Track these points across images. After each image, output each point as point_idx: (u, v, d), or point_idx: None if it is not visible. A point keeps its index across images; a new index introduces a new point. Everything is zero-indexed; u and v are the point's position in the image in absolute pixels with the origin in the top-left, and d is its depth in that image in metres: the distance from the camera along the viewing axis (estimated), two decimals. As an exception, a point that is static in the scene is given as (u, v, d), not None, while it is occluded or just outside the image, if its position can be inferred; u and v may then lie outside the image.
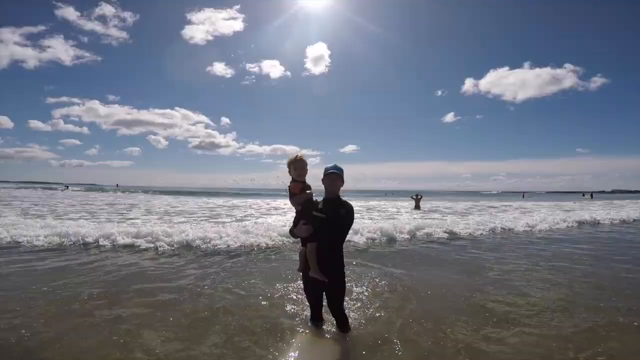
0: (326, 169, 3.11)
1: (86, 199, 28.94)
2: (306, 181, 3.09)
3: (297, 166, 3.00)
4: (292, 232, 3.08)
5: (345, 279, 3.10)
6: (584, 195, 68.40)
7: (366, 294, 4.32)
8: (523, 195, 77.58)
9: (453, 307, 3.91)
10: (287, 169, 3.05)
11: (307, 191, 3.03)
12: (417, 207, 22.33)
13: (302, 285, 3.36)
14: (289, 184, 3.06)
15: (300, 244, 3.15)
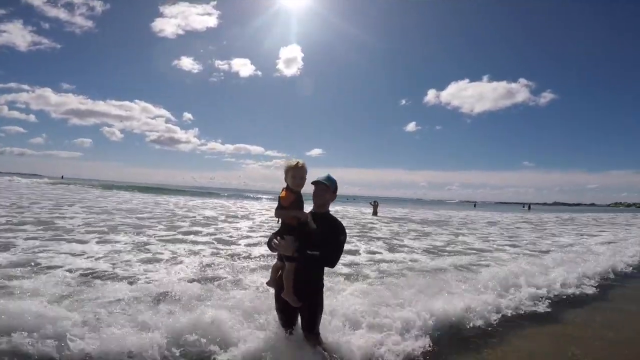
0: (316, 179, 2.79)
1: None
2: (301, 194, 2.73)
3: (296, 174, 2.64)
4: (271, 245, 2.74)
5: (323, 297, 2.84)
6: (523, 206, 74.18)
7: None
8: (475, 205, 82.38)
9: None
10: (284, 175, 2.69)
11: (300, 211, 2.67)
12: (375, 213, 23.33)
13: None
14: (281, 190, 2.70)
15: (276, 257, 2.86)
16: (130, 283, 4.68)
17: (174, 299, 3.89)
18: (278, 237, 2.65)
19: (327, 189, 2.74)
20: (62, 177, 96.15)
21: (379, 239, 11.09)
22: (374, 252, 8.48)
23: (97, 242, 7.59)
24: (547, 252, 9.71)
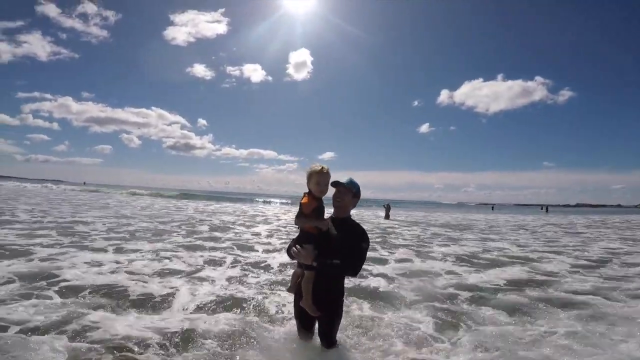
0: (336, 181, 2.65)
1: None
2: (322, 201, 2.56)
3: (321, 180, 2.50)
4: (290, 253, 2.63)
5: (343, 309, 2.76)
6: (542, 208, 70.70)
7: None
8: (492, 207, 79.86)
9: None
10: (306, 180, 2.54)
11: (321, 220, 2.53)
12: (387, 216, 23.17)
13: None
14: (302, 196, 2.57)
15: (297, 264, 2.69)
16: (147, 311, 3.98)
17: (202, 341, 3.15)
18: (297, 246, 2.52)
19: (347, 192, 2.60)
20: (85, 183, 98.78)
21: (404, 245, 10.48)
22: (403, 260, 7.88)
23: (115, 251, 7.32)
24: (607, 261, 8.57)
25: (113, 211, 18.06)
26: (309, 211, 2.49)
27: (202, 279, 5.41)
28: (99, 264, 5.97)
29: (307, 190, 2.57)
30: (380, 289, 5.31)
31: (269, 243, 9.61)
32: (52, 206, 18.83)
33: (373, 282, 5.67)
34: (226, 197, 64.08)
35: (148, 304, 4.22)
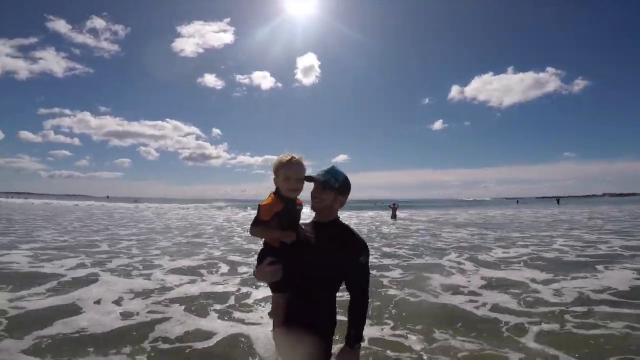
0: (309, 174, 1.90)
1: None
2: (299, 200, 1.88)
3: (290, 173, 1.78)
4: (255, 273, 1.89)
5: (331, 343, 1.82)
6: (557, 201, 66.07)
7: None
8: (517, 201, 77.00)
9: None
10: (274, 176, 1.84)
11: (283, 231, 1.76)
12: (394, 216, 22.69)
13: None
14: (267, 197, 1.84)
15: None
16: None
17: None
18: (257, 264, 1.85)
19: (325, 187, 1.84)
20: (108, 196, 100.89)
21: (458, 248, 9.45)
22: (468, 271, 6.89)
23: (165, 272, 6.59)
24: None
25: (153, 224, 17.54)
26: (268, 217, 1.77)
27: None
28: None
29: (272, 191, 1.88)
30: (476, 315, 4.34)
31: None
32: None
33: (452, 301, 4.72)
34: (248, 204, 64.03)
35: None
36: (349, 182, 1.93)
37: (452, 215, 28.88)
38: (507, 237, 12.20)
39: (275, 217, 1.78)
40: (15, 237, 11.34)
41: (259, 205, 1.81)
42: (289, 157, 1.81)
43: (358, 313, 1.81)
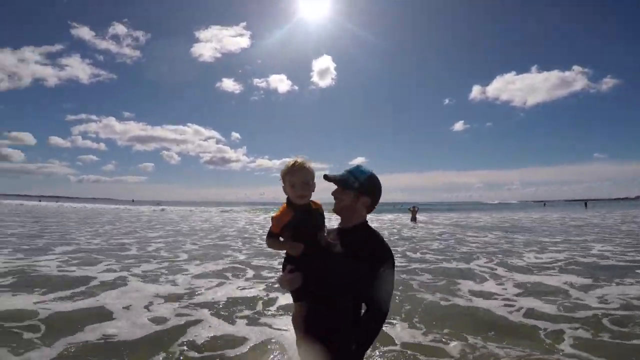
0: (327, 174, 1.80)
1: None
2: (317, 204, 1.74)
3: (295, 179, 1.65)
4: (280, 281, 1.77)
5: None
6: (585, 205, 62.81)
7: None
8: (544, 204, 74.24)
9: None
10: (282, 184, 1.72)
11: (293, 243, 1.64)
12: (414, 219, 22.58)
13: None
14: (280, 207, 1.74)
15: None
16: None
17: None
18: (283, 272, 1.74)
19: (341, 188, 1.71)
20: (133, 200, 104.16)
21: (486, 252, 9.12)
22: (500, 277, 6.59)
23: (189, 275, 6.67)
24: None
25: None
26: (277, 229, 1.69)
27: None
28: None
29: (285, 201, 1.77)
30: (511, 320, 4.13)
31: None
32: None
33: (485, 306, 4.50)
34: (268, 207, 64.66)
35: None
36: (375, 181, 1.75)
37: (475, 218, 28.10)
38: (537, 242, 11.70)
39: (285, 228, 1.70)
40: (50, 239, 11.82)
41: (272, 218, 1.73)
42: (292, 162, 1.71)
43: (366, 329, 1.58)
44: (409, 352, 3.26)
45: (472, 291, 5.33)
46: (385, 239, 1.65)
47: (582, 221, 22.44)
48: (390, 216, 30.99)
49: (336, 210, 1.77)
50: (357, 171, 1.73)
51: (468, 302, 4.78)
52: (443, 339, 3.52)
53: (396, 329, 3.78)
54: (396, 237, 13.64)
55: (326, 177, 1.74)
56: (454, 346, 3.36)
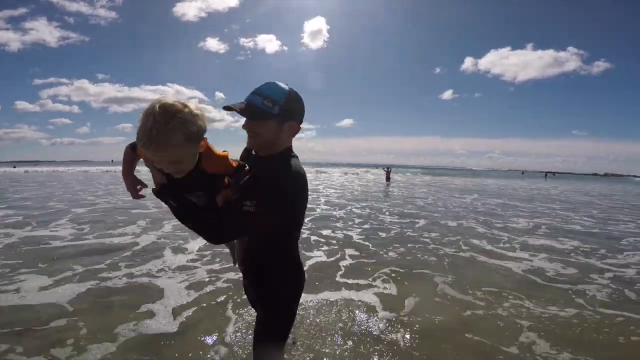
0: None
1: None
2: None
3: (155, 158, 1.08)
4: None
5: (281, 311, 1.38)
6: (545, 176, 66.33)
7: None
8: (545, 175, 70.89)
9: None
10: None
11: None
12: (388, 178, 24.32)
13: None
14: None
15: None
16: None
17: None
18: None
19: (256, 121, 1.26)
20: (112, 161, 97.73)
21: (471, 212, 9.53)
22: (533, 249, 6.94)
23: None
24: None
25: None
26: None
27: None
28: None
29: None
30: (539, 279, 4.26)
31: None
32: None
33: (505, 264, 4.72)
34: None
35: None
36: (297, 96, 1.30)
37: (480, 184, 28.63)
38: (512, 206, 12.36)
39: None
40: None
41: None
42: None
43: (207, 217, 1.17)
44: (457, 307, 3.23)
45: (483, 249, 5.50)
46: (302, 173, 1.27)
47: (537, 190, 23.59)
48: (371, 176, 31.66)
49: (254, 147, 1.34)
50: (272, 91, 1.25)
51: (486, 259, 4.90)
52: (487, 297, 3.49)
53: (436, 281, 3.86)
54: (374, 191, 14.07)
55: (227, 108, 1.25)
56: (487, 301, 3.37)
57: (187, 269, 3.99)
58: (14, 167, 55.41)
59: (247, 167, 1.24)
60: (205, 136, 1.09)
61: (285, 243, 1.37)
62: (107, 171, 34.28)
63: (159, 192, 1.14)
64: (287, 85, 1.29)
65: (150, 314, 2.84)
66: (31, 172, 33.36)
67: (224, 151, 1.20)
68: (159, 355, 2.28)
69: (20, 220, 6.97)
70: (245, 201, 1.15)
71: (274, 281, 1.38)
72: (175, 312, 2.88)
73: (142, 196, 1.21)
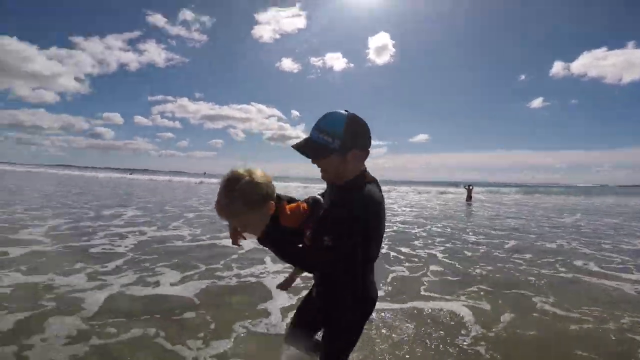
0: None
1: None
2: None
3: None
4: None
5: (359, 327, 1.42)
6: None
7: None
8: None
9: None
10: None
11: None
12: (469, 197, 22.16)
13: None
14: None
15: None
16: None
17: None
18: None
19: (320, 160, 1.28)
20: (205, 173, 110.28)
21: (571, 233, 8.42)
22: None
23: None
24: None
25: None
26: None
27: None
28: None
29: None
30: None
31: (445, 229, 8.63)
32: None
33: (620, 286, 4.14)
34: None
35: None
36: (355, 125, 1.26)
37: (546, 199, 25.95)
38: (627, 226, 10.55)
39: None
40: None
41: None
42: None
43: (300, 251, 1.30)
44: (558, 323, 3.10)
45: (586, 270, 5.00)
46: (374, 198, 1.25)
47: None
48: (450, 196, 29.88)
49: (327, 180, 1.38)
50: (329, 123, 1.24)
51: (591, 279, 4.50)
52: (597, 314, 3.28)
53: (535, 301, 3.67)
54: (454, 210, 13.30)
55: (294, 147, 1.31)
56: (616, 321, 3.13)
57: (286, 274, 4.45)
58: (130, 173, 64.24)
59: (321, 200, 1.41)
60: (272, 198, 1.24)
61: (358, 269, 1.37)
62: (202, 182, 38.49)
63: (259, 241, 1.28)
64: (345, 111, 1.28)
65: (264, 313, 3.20)
66: (144, 180, 38.81)
67: (295, 203, 1.39)
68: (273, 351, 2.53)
69: (148, 220, 8.48)
70: (324, 236, 1.19)
71: (340, 307, 1.40)
72: (283, 312, 3.24)
73: (240, 245, 1.40)
